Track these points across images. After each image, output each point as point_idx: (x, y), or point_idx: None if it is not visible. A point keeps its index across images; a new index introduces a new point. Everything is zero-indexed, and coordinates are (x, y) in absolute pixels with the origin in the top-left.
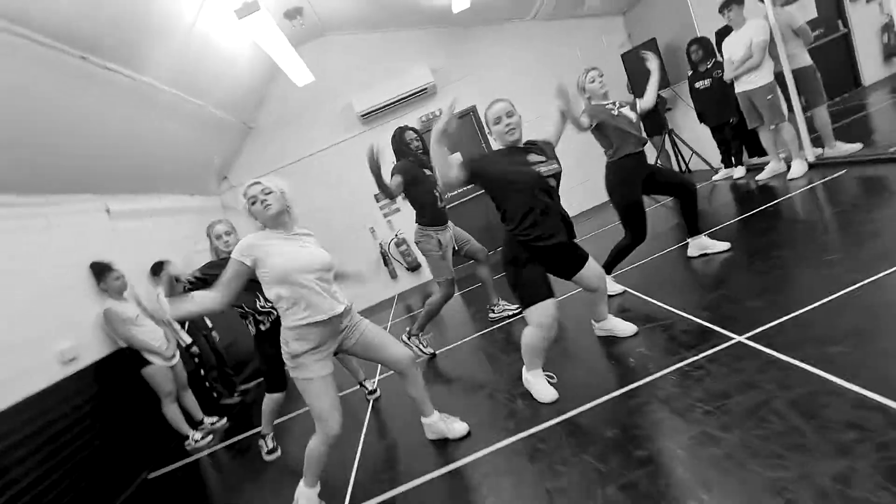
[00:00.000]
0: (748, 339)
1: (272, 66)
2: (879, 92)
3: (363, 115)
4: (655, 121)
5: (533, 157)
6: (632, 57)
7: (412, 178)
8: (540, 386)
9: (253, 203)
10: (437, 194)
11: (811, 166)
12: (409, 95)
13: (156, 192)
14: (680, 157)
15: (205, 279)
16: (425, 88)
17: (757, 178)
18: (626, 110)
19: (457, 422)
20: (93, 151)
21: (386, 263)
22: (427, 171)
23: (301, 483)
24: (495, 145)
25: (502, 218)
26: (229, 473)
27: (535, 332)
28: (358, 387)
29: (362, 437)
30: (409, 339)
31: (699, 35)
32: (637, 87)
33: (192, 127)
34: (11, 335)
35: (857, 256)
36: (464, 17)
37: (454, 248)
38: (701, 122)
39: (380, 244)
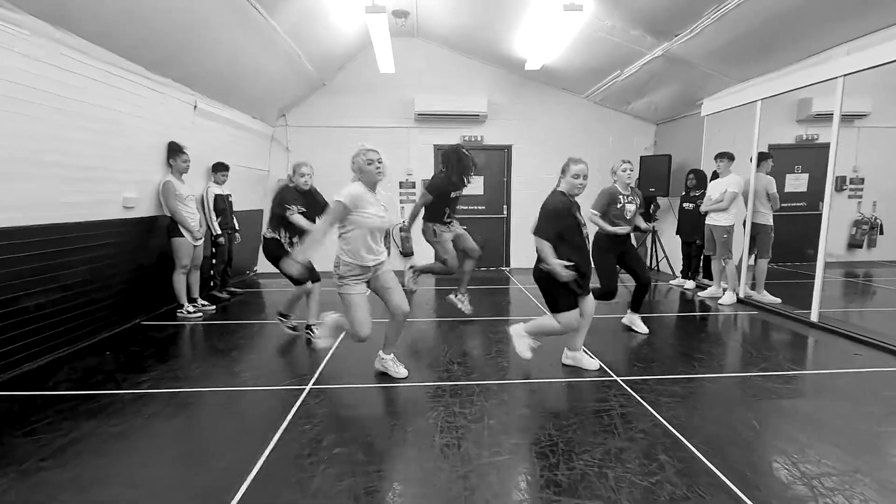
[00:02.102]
0: (623, 380)
1: (366, 46)
2: (830, 270)
3: (419, 114)
4: (644, 216)
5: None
6: (649, 161)
7: (439, 194)
8: (522, 345)
9: (369, 164)
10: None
11: (739, 300)
12: (463, 115)
13: (229, 105)
14: (655, 255)
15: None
16: (478, 114)
17: (699, 294)
18: (631, 206)
19: (402, 367)
20: (192, 48)
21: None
22: (454, 194)
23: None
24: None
25: (555, 247)
26: (201, 343)
27: (558, 328)
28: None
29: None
30: (456, 296)
31: (700, 167)
32: (642, 186)
33: (280, 65)
34: (99, 170)
35: (721, 363)
36: (529, 72)
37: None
38: (677, 233)
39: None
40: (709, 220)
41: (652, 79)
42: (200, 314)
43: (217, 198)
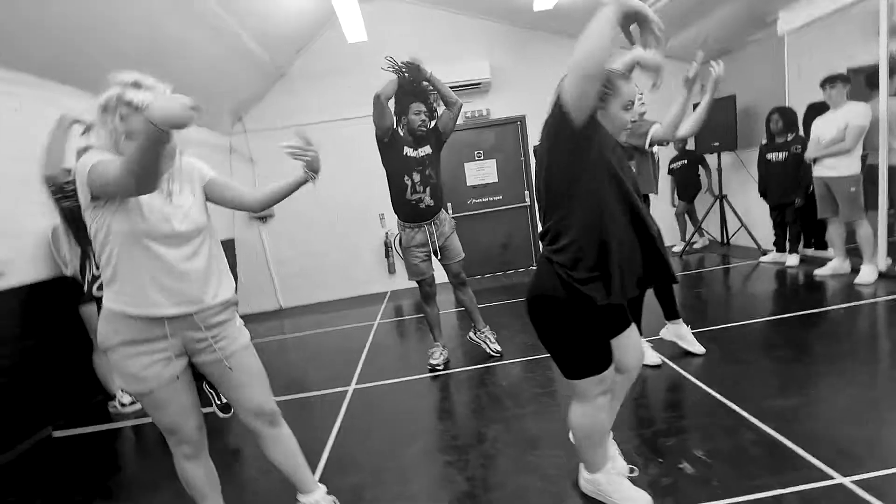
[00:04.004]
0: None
1: (327, 12)
2: None
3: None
4: (690, 180)
5: None
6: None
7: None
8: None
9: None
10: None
11: (881, 275)
12: (462, 86)
13: None
14: (725, 228)
15: None
16: (479, 83)
17: (816, 272)
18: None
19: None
20: (90, 37)
21: (386, 255)
22: (408, 151)
23: None
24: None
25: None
26: (152, 450)
27: (585, 422)
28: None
29: None
30: (475, 334)
31: (787, 104)
32: (701, 142)
33: (224, 50)
34: None
35: None
36: (536, 18)
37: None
38: (762, 196)
39: (386, 233)
40: (821, 171)
41: None
42: (136, 406)
43: None
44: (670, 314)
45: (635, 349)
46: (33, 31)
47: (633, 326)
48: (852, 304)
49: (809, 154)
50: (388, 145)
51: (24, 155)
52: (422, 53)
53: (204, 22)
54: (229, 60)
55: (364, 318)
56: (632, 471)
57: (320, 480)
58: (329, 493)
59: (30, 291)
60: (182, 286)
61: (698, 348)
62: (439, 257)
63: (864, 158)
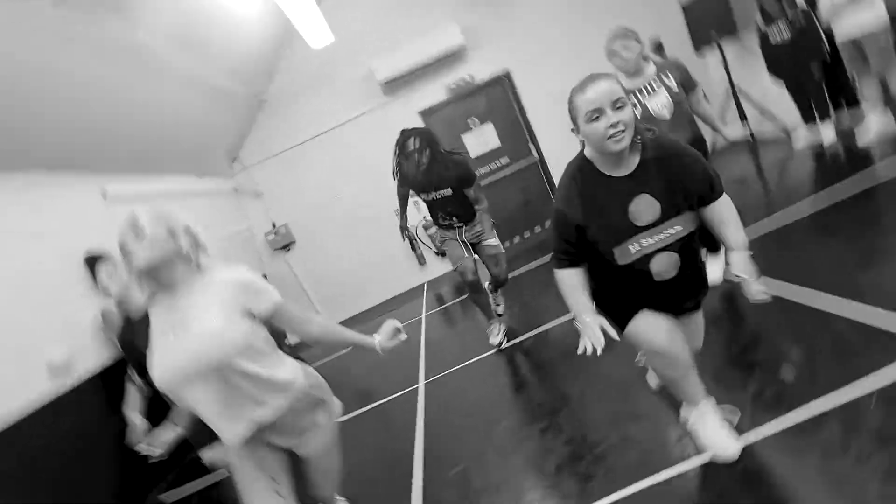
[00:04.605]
0: None
1: (284, 28)
2: None
3: (386, 83)
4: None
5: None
6: (696, 8)
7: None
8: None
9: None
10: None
11: None
12: (437, 60)
13: (158, 173)
14: (745, 121)
15: None
16: (455, 51)
17: (860, 142)
18: (657, 99)
19: None
20: (81, 122)
21: (413, 249)
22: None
23: None
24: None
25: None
26: None
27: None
28: None
29: None
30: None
31: None
32: (698, 38)
33: (198, 97)
34: None
35: None
36: None
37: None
38: (775, 76)
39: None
40: (848, 30)
41: None
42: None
43: None
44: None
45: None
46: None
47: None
48: None
49: (827, 15)
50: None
51: (53, 254)
52: (389, 39)
53: (169, 75)
54: (207, 105)
55: (410, 315)
56: (733, 412)
57: (424, 479)
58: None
59: (95, 380)
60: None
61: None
62: (469, 254)
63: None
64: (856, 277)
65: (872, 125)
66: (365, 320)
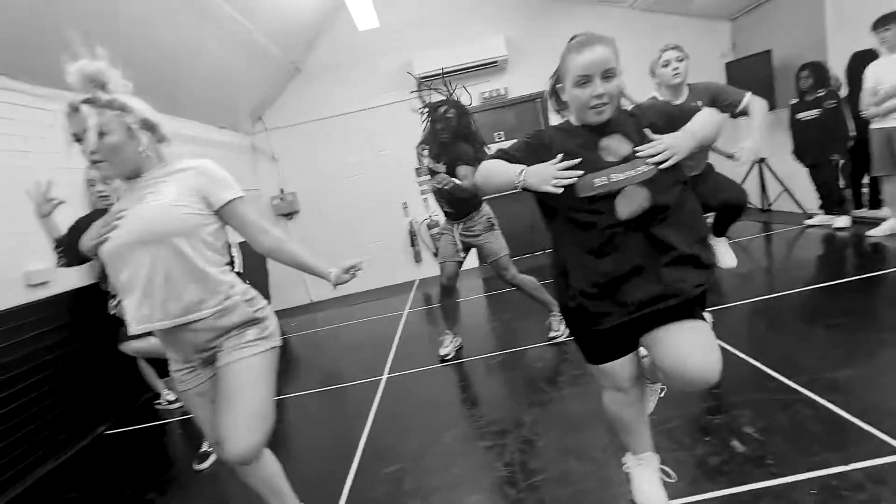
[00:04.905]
0: None
1: (337, 9)
2: None
3: (423, 77)
4: None
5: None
6: (738, 67)
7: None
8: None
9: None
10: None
11: None
12: (476, 66)
13: (178, 115)
14: (764, 191)
15: None
16: (496, 62)
17: (868, 232)
18: None
19: None
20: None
21: (413, 244)
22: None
23: None
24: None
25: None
26: (194, 441)
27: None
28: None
29: None
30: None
31: (828, 55)
32: None
33: (233, 50)
34: None
35: None
36: None
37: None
38: (797, 158)
39: (410, 222)
40: (883, 122)
41: None
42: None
43: None
44: (719, 229)
45: (678, 349)
46: (42, 40)
47: (687, 323)
48: None
49: (866, 104)
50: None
51: (60, 167)
52: (435, 35)
53: (214, 22)
54: (243, 60)
55: (394, 308)
56: (668, 476)
57: (358, 470)
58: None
59: (73, 297)
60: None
61: (730, 262)
62: (463, 256)
63: None
64: (829, 372)
65: (885, 226)
66: (349, 303)
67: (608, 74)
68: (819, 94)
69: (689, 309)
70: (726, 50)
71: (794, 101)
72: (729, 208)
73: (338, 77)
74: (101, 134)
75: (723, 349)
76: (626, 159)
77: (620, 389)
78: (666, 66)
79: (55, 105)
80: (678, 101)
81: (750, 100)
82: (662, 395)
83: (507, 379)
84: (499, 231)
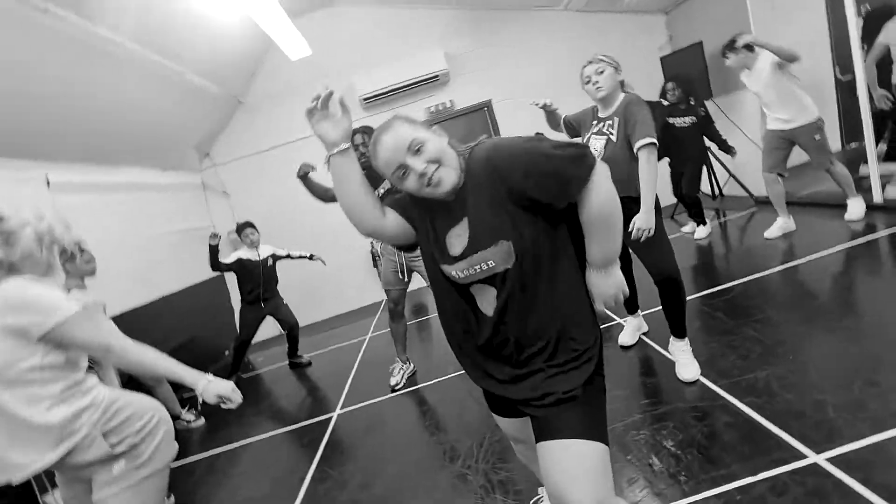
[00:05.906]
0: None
1: (264, 36)
2: None
3: (365, 100)
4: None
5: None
6: (672, 62)
7: None
8: None
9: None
10: None
11: (869, 208)
12: (418, 82)
13: (112, 164)
14: (713, 179)
15: None
16: (437, 76)
17: (765, 234)
18: (601, 138)
19: None
20: (27, 108)
21: (375, 265)
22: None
23: None
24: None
25: None
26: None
27: None
28: None
29: None
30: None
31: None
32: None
33: (161, 92)
34: None
35: None
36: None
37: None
38: (673, 166)
39: (371, 242)
40: (778, 125)
41: None
42: (202, 420)
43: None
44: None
45: (561, 474)
46: None
47: (574, 445)
48: (858, 241)
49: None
50: None
51: None
52: (374, 57)
53: (135, 70)
54: (177, 100)
55: (356, 334)
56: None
57: None
58: None
59: None
60: None
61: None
62: (406, 279)
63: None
64: (751, 373)
65: (776, 227)
66: (313, 332)
67: (414, 147)
68: (691, 104)
69: (572, 400)
70: (663, 43)
71: (666, 103)
72: (661, 285)
73: (280, 106)
74: None
75: (658, 355)
76: (463, 256)
77: (516, 441)
78: (588, 83)
79: None
80: (609, 111)
81: (641, 149)
82: None
83: (463, 400)
84: None
